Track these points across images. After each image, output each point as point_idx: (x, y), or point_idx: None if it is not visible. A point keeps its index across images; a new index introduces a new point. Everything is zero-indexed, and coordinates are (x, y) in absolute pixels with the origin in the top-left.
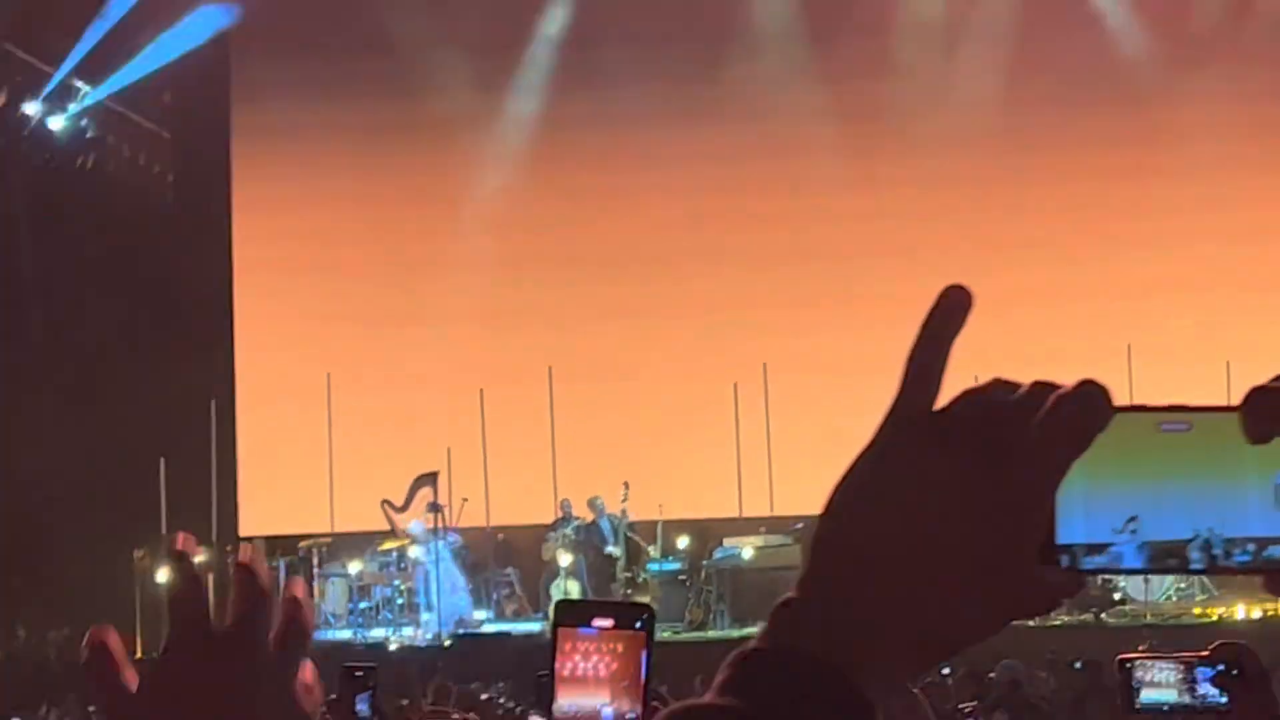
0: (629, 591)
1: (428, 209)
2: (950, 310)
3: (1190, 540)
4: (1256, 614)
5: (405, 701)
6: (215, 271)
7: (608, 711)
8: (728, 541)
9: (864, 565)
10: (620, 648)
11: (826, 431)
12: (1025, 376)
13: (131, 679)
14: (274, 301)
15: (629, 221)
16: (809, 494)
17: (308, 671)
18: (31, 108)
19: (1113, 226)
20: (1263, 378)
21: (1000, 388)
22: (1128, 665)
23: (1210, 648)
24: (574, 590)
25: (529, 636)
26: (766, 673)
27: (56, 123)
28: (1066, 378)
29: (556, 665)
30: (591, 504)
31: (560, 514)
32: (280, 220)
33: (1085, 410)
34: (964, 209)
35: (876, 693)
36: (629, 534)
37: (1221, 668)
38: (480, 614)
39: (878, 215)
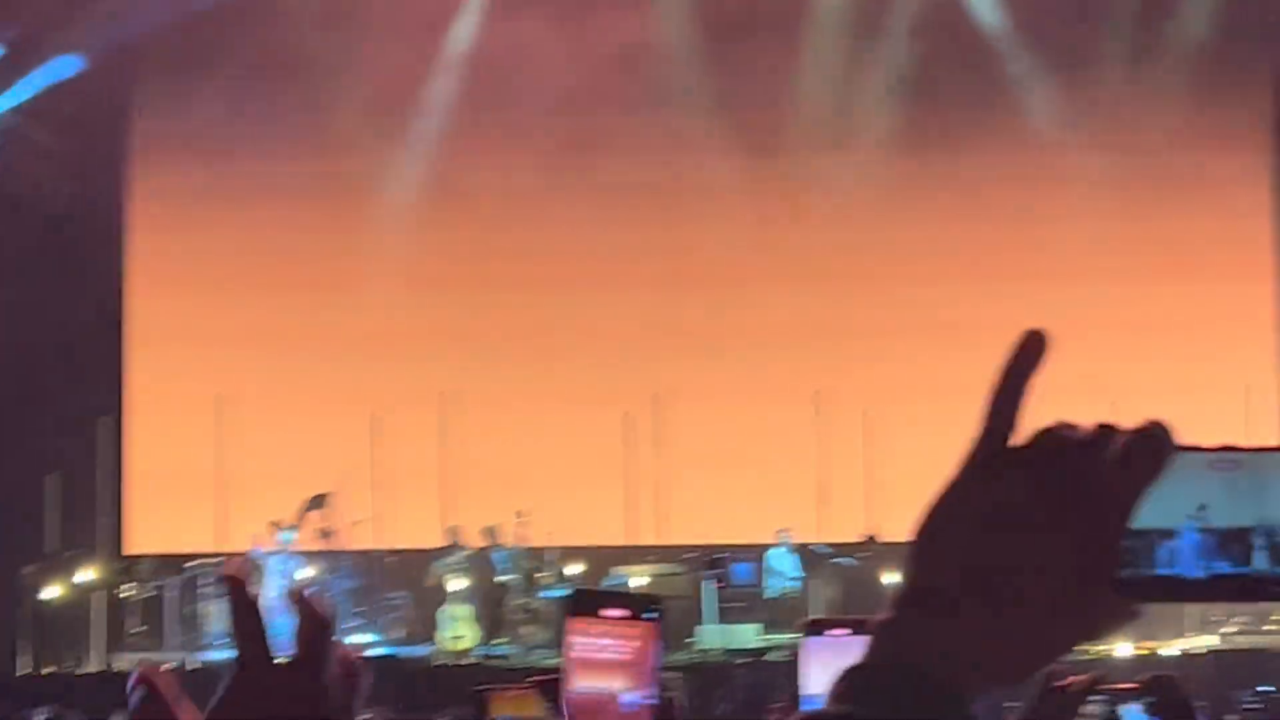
0: (523, 618)
1: (324, 232)
2: (1029, 352)
3: (1253, 528)
4: (1142, 651)
5: None
6: (107, 288)
7: (627, 697)
8: (616, 570)
9: (952, 588)
10: (633, 636)
11: (715, 460)
12: (915, 411)
13: (187, 716)
14: (166, 319)
15: (526, 249)
16: (698, 523)
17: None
18: None
19: (997, 266)
20: (1147, 417)
21: (1067, 428)
22: None
23: (1140, 680)
24: (463, 615)
25: (417, 660)
26: (875, 684)
27: None
28: (956, 414)
29: (571, 650)
30: (485, 532)
31: (449, 540)
32: (175, 238)
33: (1158, 448)
34: (855, 243)
35: (971, 704)
36: (523, 561)
37: (1153, 700)
38: (368, 637)
39: (772, 247)
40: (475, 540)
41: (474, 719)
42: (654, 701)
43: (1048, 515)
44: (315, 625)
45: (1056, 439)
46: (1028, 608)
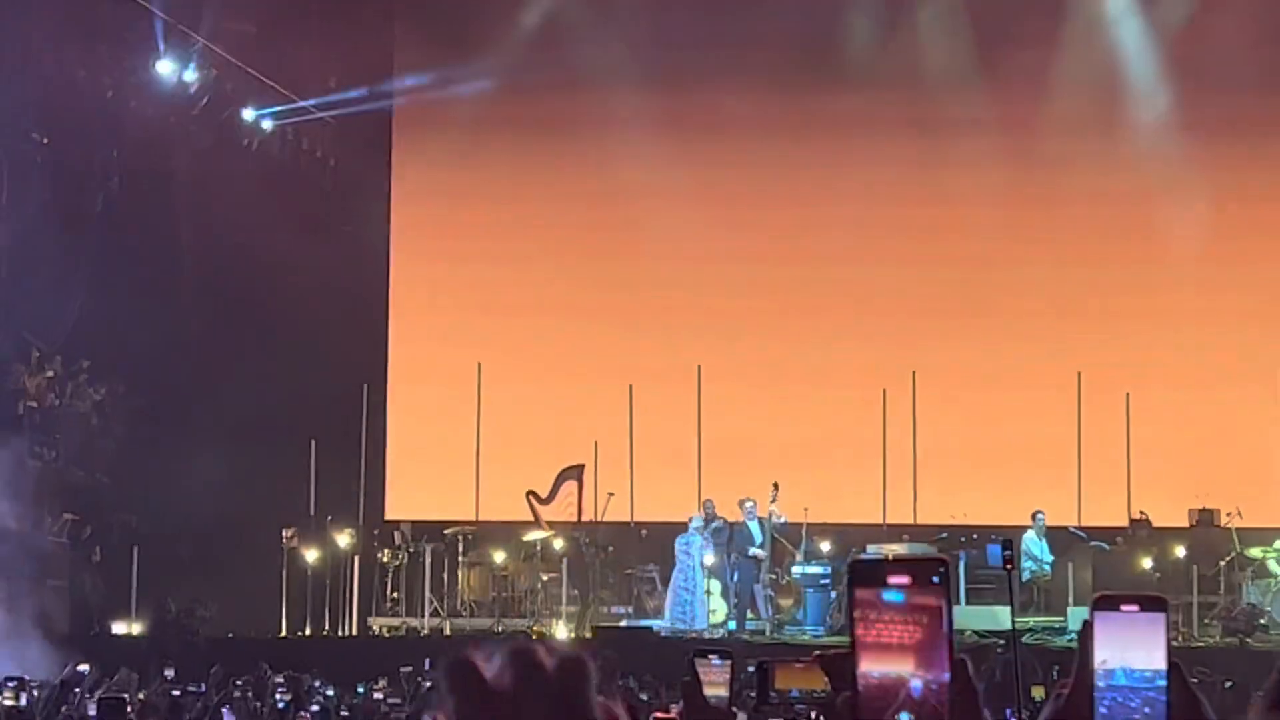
0: (772, 593)
1: (584, 205)
2: None
3: None
4: None
5: None
6: (373, 257)
7: (916, 684)
8: (871, 547)
9: None
10: (921, 608)
11: (971, 442)
12: (1178, 386)
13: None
14: (429, 289)
15: (783, 224)
16: (953, 503)
17: None
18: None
19: (1259, 250)
20: None
21: None
22: None
23: None
24: (715, 589)
25: (668, 632)
26: None
27: (248, 113)
28: (1219, 396)
29: (857, 631)
30: (741, 505)
31: (703, 514)
32: (438, 209)
33: None
34: (1122, 226)
35: None
36: (776, 535)
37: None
38: (620, 608)
39: (1034, 228)
40: (730, 514)
41: (759, 690)
42: (946, 679)
43: None
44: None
45: None
46: None
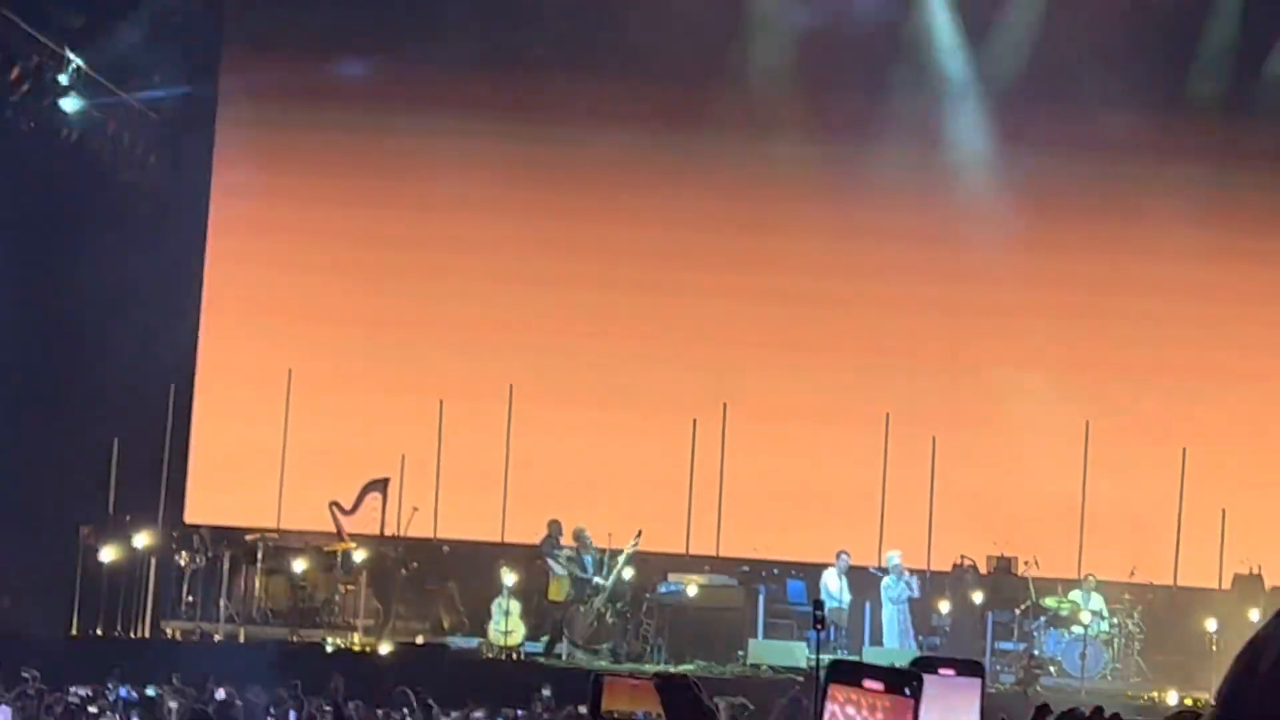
0: (581, 619)
1: (405, 217)
2: None
3: None
4: (1188, 701)
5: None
6: (188, 256)
7: None
8: (672, 577)
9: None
10: (890, 712)
11: (778, 476)
12: (983, 433)
13: None
14: (243, 292)
15: (605, 248)
16: (757, 536)
17: None
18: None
19: (1083, 302)
20: (1216, 464)
21: None
22: None
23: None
24: (514, 610)
25: (466, 651)
26: None
27: (70, 105)
28: (1023, 445)
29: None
30: (577, 535)
31: (548, 532)
32: (258, 211)
33: None
34: (938, 269)
35: None
36: (602, 564)
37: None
38: (418, 625)
39: (852, 266)
40: (543, 538)
41: (590, 705)
42: None
43: None
44: None
45: None
46: None
